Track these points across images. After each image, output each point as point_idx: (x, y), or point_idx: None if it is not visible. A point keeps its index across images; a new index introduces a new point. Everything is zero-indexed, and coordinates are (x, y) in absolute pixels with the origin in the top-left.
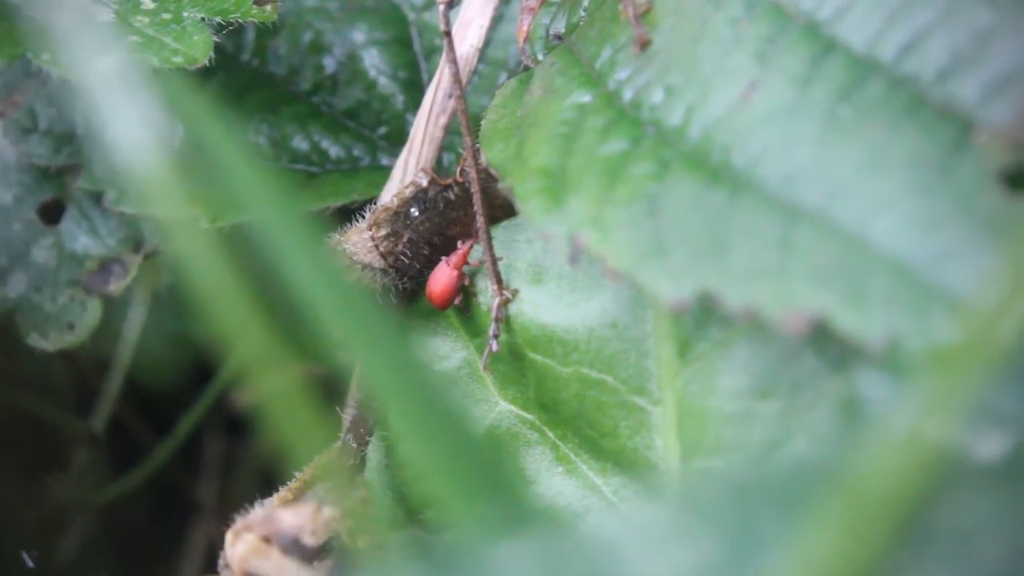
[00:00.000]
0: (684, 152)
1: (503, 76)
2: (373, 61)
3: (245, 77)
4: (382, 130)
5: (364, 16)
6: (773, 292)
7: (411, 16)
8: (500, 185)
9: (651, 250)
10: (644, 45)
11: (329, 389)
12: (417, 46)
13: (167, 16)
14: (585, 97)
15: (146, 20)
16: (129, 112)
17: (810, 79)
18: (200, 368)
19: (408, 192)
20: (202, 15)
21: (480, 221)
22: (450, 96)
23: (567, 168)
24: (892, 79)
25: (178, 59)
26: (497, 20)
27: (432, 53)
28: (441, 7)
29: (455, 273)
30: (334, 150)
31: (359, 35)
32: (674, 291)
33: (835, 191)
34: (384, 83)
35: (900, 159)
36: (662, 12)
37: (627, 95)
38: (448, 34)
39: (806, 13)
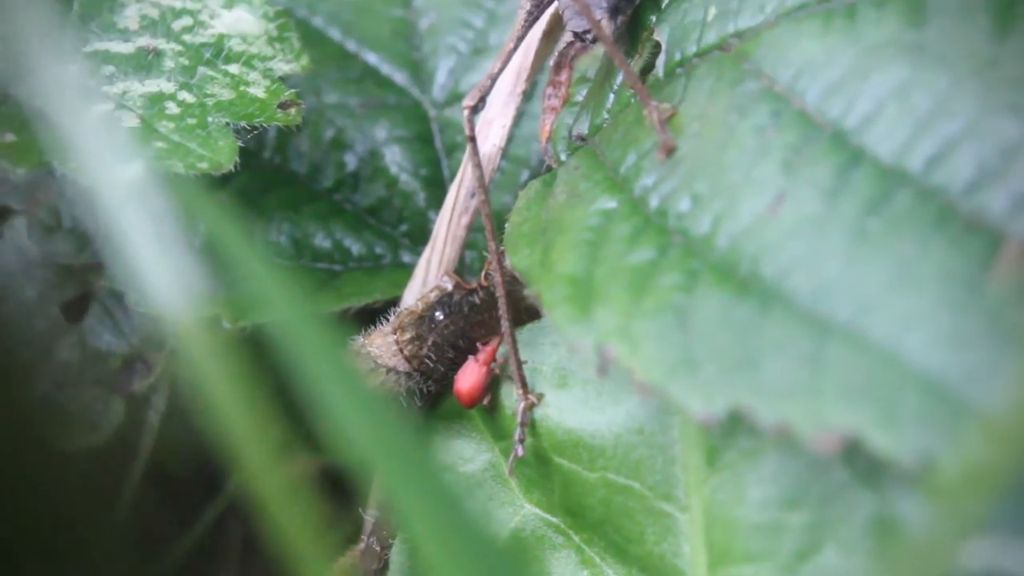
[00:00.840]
0: (712, 262)
1: (525, 174)
2: (395, 158)
3: (267, 175)
4: (404, 227)
5: (386, 113)
6: (805, 410)
7: (432, 113)
8: (526, 291)
9: (681, 364)
10: (670, 151)
11: (350, 486)
12: (438, 143)
13: (192, 121)
14: (611, 203)
15: (171, 125)
16: (150, 215)
17: (838, 191)
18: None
19: (433, 296)
20: (227, 120)
21: (505, 325)
22: (472, 196)
23: (594, 276)
24: (920, 191)
25: (203, 165)
26: (519, 117)
27: (453, 150)
28: (465, 112)
29: (484, 370)
30: (356, 248)
31: (381, 132)
32: (705, 407)
33: (865, 306)
34: (406, 180)
35: (930, 273)
36: (687, 118)
37: (653, 202)
38: (473, 139)
39: (833, 122)
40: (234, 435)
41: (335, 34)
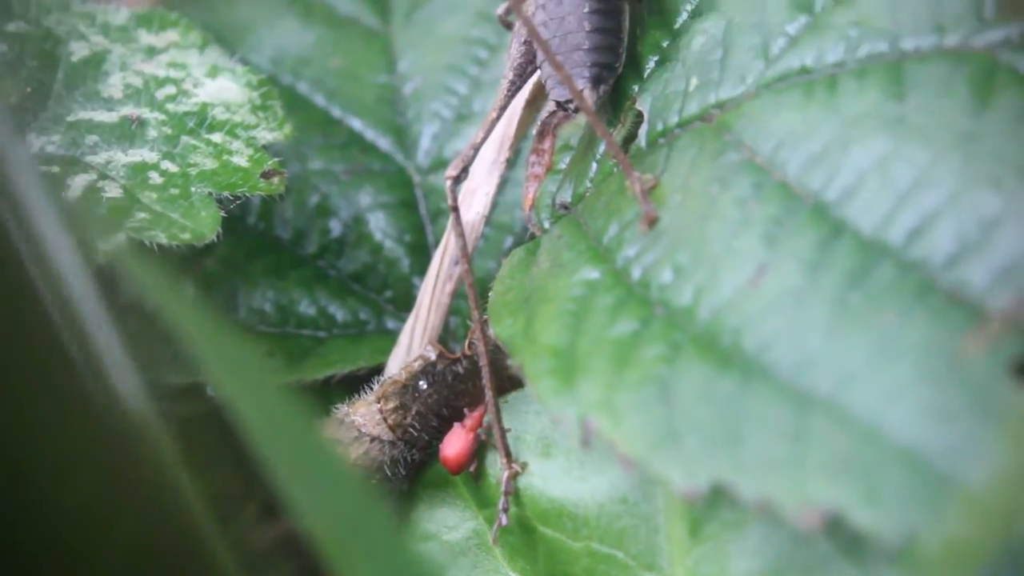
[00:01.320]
0: (694, 334)
1: (509, 240)
2: (379, 224)
3: (251, 242)
4: (388, 293)
5: (370, 179)
6: (787, 485)
7: (416, 179)
8: (509, 361)
9: (663, 438)
10: (652, 222)
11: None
12: (423, 209)
13: (175, 191)
14: (593, 274)
15: (154, 195)
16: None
17: (819, 264)
18: None
19: (417, 366)
20: (210, 190)
21: (489, 394)
22: (456, 263)
23: (577, 348)
24: (901, 264)
25: (186, 235)
26: (503, 184)
27: (438, 216)
28: (448, 182)
29: (471, 436)
30: (340, 314)
31: (365, 198)
32: (687, 480)
33: (847, 379)
34: (390, 246)
35: (911, 346)
36: (669, 189)
37: (635, 273)
38: (456, 209)
39: (814, 194)
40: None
41: (320, 100)
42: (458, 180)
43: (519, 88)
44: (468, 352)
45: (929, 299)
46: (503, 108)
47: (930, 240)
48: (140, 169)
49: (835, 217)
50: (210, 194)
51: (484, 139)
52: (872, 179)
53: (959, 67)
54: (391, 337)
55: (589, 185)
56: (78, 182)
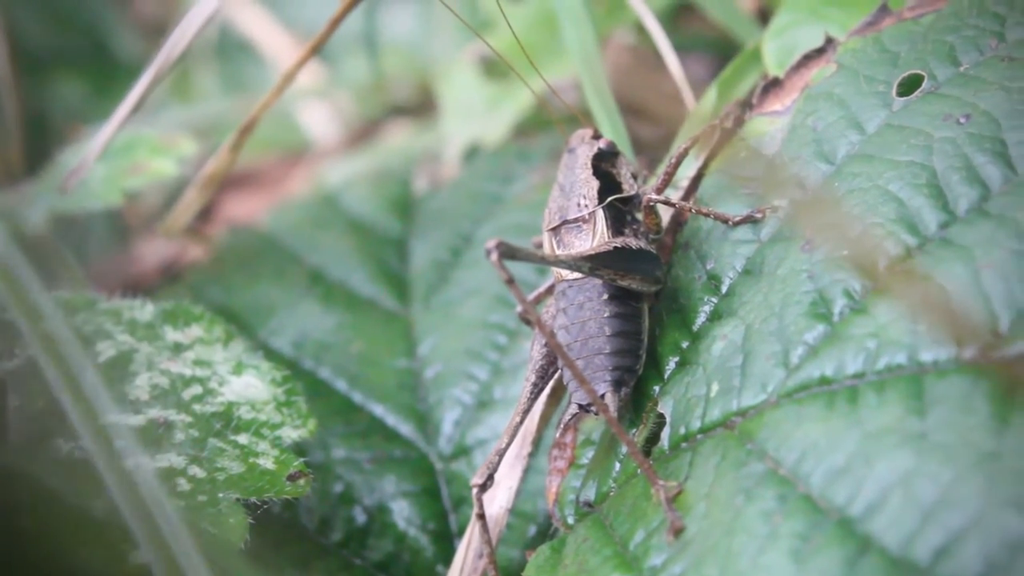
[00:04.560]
0: None
1: (532, 529)
2: (403, 512)
3: (275, 531)
4: None
5: (393, 467)
6: None
7: (439, 466)
8: None
9: None
10: (678, 532)
11: None
12: (445, 496)
13: (203, 499)
14: None
15: (182, 503)
16: None
17: None
18: None
19: None
20: (237, 495)
21: None
22: (480, 556)
23: None
24: None
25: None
26: (524, 472)
27: (460, 504)
28: (474, 491)
29: None
30: None
31: (388, 486)
32: None
33: None
34: (414, 535)
35: None
36: (694, 496)
37: None
38: (482, 516)
39: (839, 508)
40: None
41: (341, 386)
42: (484, 488)
43: (541, 390)
44: None
45: None
46: (526, 412)
47: (957, 560)
48: (168, 475)
49: (861, 533)
50: (237, 500)
51: (508, 444)
52: (896, 495)
53: (978, 383)
54: None
55: (613, 485)
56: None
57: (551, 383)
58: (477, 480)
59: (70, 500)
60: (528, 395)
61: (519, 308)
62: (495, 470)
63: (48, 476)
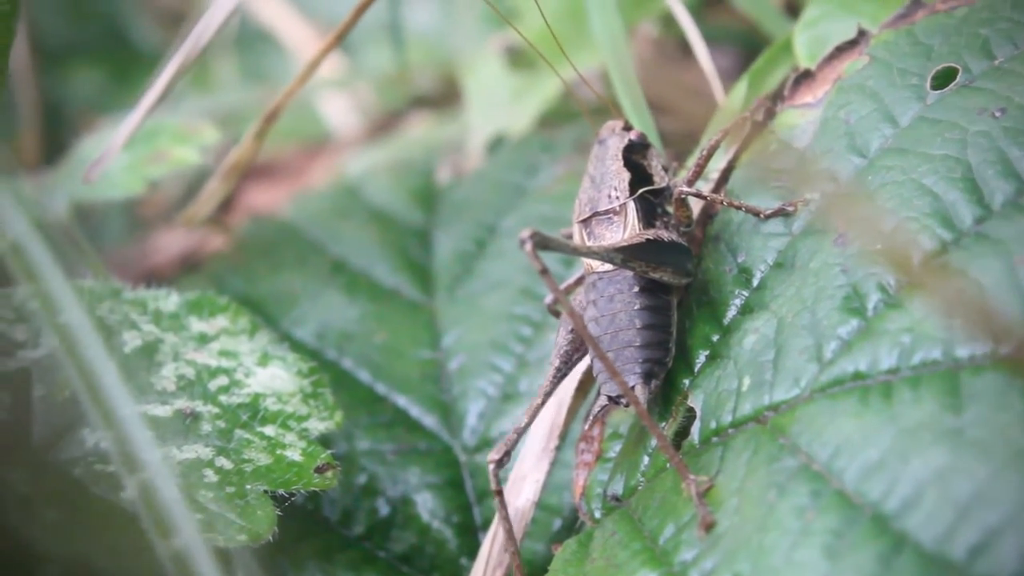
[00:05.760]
0: None
1: (558, 523)
2: (426, 505)
3: (298, 522)
4: None
5: (416, 458)
6: None
7: (463, 458)
8: None
9: None
10: (709, 527)
11: None
12: (469, 488)
13: (231, 490)
14: None
15: (210, 495)
16: None
17: None
18: None
19: None
20: (265, 487)
21: None
22: (506, 550)
23: None
24: None
25: (242, 537)
26: (551, 465)
27: (484, 496)
28: (491, 466)
29: None
30: None
31: (412, 478)
32: None
33: None
34: (437, 527)
35: None
36: (725, 492)
37: None
38: (500, 492)
39: (873, 504)
40: None
41: (364, 376)
42: (500, 464)
43: (564, 375)
44: None
45: None
46: (548, 394)
47: (993, 558)
48: (195, 466)
49: (896, 530)
50: (265, 491)
51: (528, 424)
52: (931, 492)
53: (1015, 380)
54: None
55: (641, 479)
56: (134, 482)
57: (578, 375)
58: (494, 456)
59: (95, 491)
60: (551, 378)
61: (548, 298)
62: (513, 447)
63: (73, 466)
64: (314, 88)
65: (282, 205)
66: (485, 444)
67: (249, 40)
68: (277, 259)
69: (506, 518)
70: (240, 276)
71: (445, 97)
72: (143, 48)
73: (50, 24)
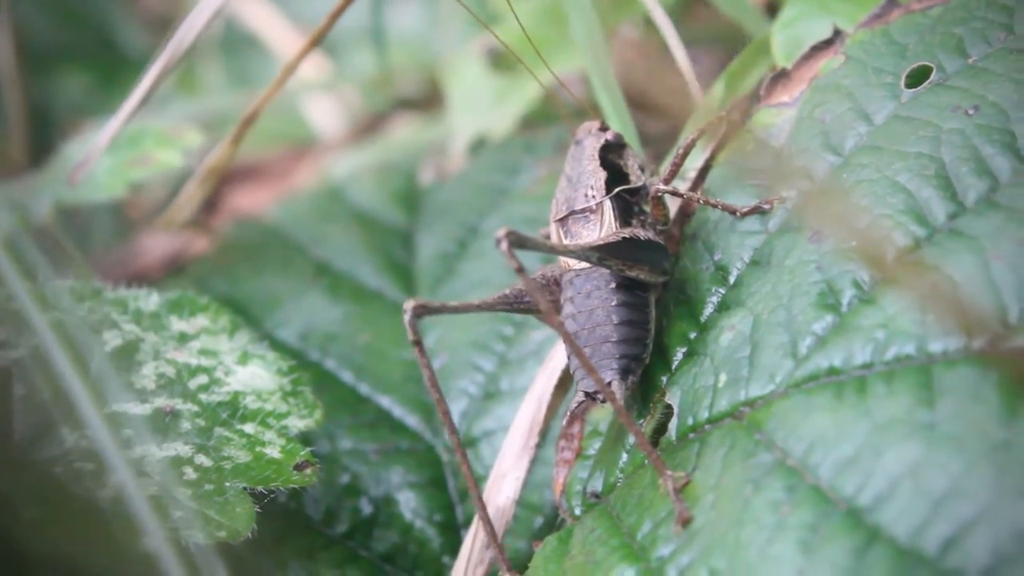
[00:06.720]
0: None
1: (539, 520)
2: (409, 504)
3: (281, 521)
4: (419, 574)
5: (399, 458)
6: None
7: (445, 458)
8: None
9: None
10: (686, 522)
11: None
12: (452, 488)
13: (210, 487)
14: (628, 573)
15: (189, 492)
16: None
17: (856, 572)
18: None
19: None
20: (244, 484)
21: None
22: (487, 547)
23: None
24: (937, 574)
25: (222, 533)
26: (531, 463)
27: (467, 496)
28: (406, 315)
29: None
30: None
31: (395, 477)
32: None
33: None
34: (420, 526)
35: None
36: (702, 487)
37: (671, 574)
38: (418, 343)
39: (847, 499)
40: None
41: (347, 377)
42: (418, 315)
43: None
44: None
45: None
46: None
47: (965, 551)
48: (175, 464)
49: (870, 523)
50: (244, 489)
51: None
52: (905, 486)
53: (988, 374)
54: None
55: (620, 475)
56: (108, 482)
57: (558, 373)
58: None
59: (75, 489)
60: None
61: (527, 296)
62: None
63: (53, 465)
64: (299, 91)
65: (267, 207)
66: (468, 443)
67: (235, 44)
68: (261, 261)
69: (427, 366)
70: (224, 278)
71: (428, 99)
72: (131, 52)
73: (38, 28)
